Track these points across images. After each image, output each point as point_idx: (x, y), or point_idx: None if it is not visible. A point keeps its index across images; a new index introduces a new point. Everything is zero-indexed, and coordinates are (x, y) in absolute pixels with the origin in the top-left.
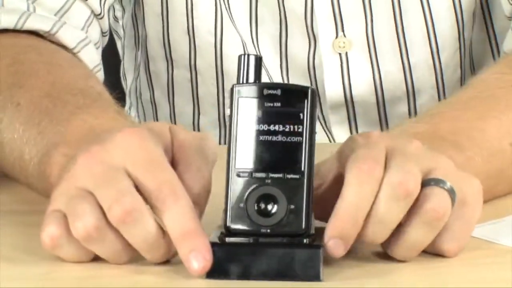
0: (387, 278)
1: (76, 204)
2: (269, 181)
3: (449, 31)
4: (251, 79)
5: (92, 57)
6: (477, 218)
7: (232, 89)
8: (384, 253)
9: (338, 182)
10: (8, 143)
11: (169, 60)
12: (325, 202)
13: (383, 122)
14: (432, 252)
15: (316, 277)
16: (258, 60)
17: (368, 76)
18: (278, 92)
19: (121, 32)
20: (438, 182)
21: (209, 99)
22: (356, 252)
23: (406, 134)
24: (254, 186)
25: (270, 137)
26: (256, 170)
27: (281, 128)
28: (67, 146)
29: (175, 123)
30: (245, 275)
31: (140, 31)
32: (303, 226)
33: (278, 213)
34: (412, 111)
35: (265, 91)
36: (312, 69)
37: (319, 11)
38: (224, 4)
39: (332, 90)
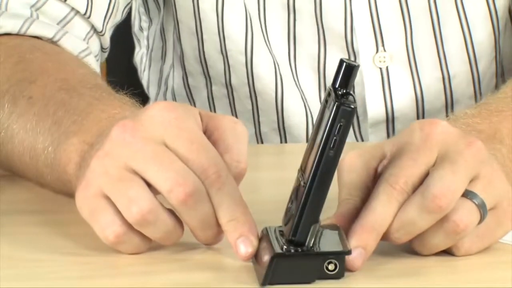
0: (413, 278)
1: (126, 188)
2: (302, 183)
3: (486, 40)
4: (338, 83)
5: (93, 68)
6: (503, 233)
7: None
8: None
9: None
10: (18, 134)
11: (207, 76)
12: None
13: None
14: None
15: (261, 284)
16: (351, 68)
17: (409, 90)
18: (330, 97)
19: (144, 42)
20: (472, 195)
21: (246, 114)
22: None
23: (473, 131)
24: (294, 186)
25: (311, 144)
26: (300, 171)
27: (316, 137)
28: (87, 133)
29: None
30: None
31: (170, 45)
32: (291, 233)
33: (287, 215)
34: None
35: (325, 98)
36: (351, 87)
37: (359, 27)
38: (260, 24)
39: (373, 107)
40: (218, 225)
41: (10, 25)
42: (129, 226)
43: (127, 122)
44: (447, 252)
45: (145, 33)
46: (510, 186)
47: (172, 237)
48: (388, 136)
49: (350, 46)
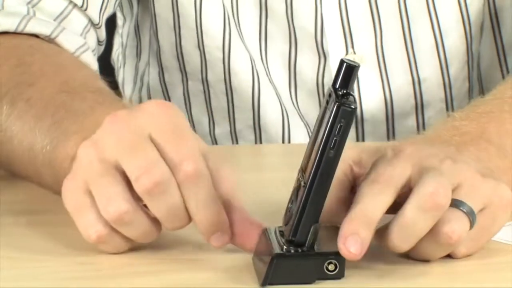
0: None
1: (106, 185)
2: (302, 183)
3: (458, 44)
4: (338, 83)
5: (91, 63)
6: (497, 229)
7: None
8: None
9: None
10: (17, 135)
11: (183, 72)
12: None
13: (391, 137)
14: None
15: (261, 284)
16: (352, 69)
17: (378, 92)
18: (330, 98)
19: (118, 40)
20: (459, 204)
21: (221, 112)
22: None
23: (457, 135)
24: (295, 186)
25: (312, 144)
26: (300, 172)
27: (314, 136)
28: (88, 131)
29: (194, 131)
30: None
31: (146, 41)
32: (290, 233)
33: (287, 215)
34: (421, 125)
35: (326, 98)
36: (321, 87)
37: (329, 28)
38: (234, 20)
39: None
40: (189, 218)
41: (8, 24)
42: (112, 226)
43: (119, 112)
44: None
45: (120, 30)
46: (495, 181)
47: (149, 236)
48: (357, 137)
49: (320, 46)
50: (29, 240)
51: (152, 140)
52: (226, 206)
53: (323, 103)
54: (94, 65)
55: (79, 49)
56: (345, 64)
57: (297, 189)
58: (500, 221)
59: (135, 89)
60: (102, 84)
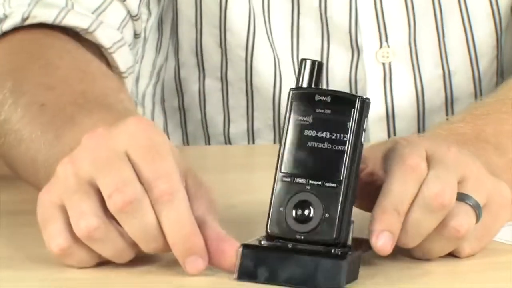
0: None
1: (79, 201)
2: (308, 187)
3: (488, 38)
4: (306, 83)
5: (126, 59)
6: (499, 227)
7: (288, 93)
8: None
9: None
10: (24, 141)
11: (201, 68)
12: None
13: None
14: None
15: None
16: (316, 66)
17: (410, 86)
18: (328, 99)
19: (141, 35)
20: (465, 197)
21: (239, 110)
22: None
23: (454, 135)
24: (294, 191)
25: (316, 144)
26: (298, 175)
27: (328, 136)
28: None
29: (206, 130)
30: (271, 279)
31: (166, 36)
32: (334, 235)
33: (313, 220)
34: None
35: (317, 97)
36: (353, 82)
37: (363, 22)
38: (264, 18)
39: (374, 103)
40: (165, 239)
41: (45, 15)
42: (76, 240)
43: (99, 130)
44: (450, 254)
45: (143, 25)
46: (496, 179)
47: (123, 256)
48: (388, 133)
49: (354, 41)
50: (29, 241)
51: (128, 158)
52: (202, 226)
53: (289, 104)
54: (130, 61)
55: (116, 44)
56: (309, 61)
57: (294, 192)
58: (502, 220)
59: (150, 84)
60: (122, 96)
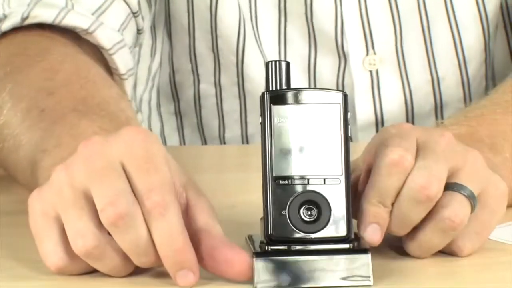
0: (408, 278)
1: (75, 218)
2: (309, 187)
3: (476, 43)
4: (281, 85)
5: (126, 61)
6: (496, 221)
7: (262, 96)
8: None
9: (367, 172)
10: (23, 146)
11: (196, 73)
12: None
13: None
14: (444, 250)
15: (367, 281)
16: (287, 66)
17: (398, 93)
18: (311, 97)
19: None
20: (459, 187)
21: (233, 115)
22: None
23: None
24: (295, 193)
25: (306, 142)
26: (296, 177)
27: (316, 133)
28: None
29: (203, 134)
30: (295, 284)
31: (160, 41)
32: (346, 231)
33: (321, 219)
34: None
35: (298, 96)
36: (341, 88)
37: (349, 30)
38: (252, 24)
39: (362, 109)
40: (157, 254)
41: (45, 15)
42: (73, 255)
43: (94, 138)
44: (450, 254)
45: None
46: (491, 172)
47: (121, 271)
48: None
49: (340, 48)
50: (29, 241)
51: (123, 168)
52: (206, 235)
53: (261, 111)
54: (130, 63)
55: (116, 45)
56: (284, 63)
57: (295, 194)
58: (498, 213)
59: (146, 89)
60: (123, 105)
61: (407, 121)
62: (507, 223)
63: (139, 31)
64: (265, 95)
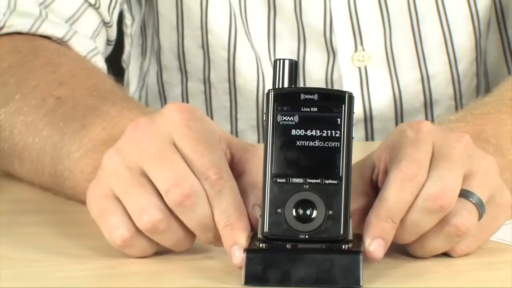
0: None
1: (137, 195)
2: (307, 186)
3: (467, 41)
4: (286, 84)
5: (101, 67)
6: (495, 229)
7: (268, 94)
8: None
9: (384, 173)
10: (42, 131)
11: (183, 71)
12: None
13: None
14: None
15: (356, 283)
16: (294, 65)
17: (387, 89)
18: (315, 97)
19: (128, 40)
20: (470, 195)
21: (222, 111)
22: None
23: None
24: (292, 192)
25: (307, 142)
26: (294, 175)
27: (318, 133)
28: (115, 141)
29: None
30: (284, 282)
31: (149, 41)
32: (341, 232)
33: (316, 219)
34: None
35: (302, 96)
36: (330, 84)
37: (338, 26)
38: (242, 19)
39: None
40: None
41: (21, 24)
42: (137, 230)
43: (141, 120)
44: (444, 253)
45: (128, 30)
46: (501, 180)
47: (183, 244)
48: (366, 134)
49: (329, 44)
50: (29, 240)
51: (176, 146)
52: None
53: (265, 109)
54: (104, 69)
55: (90, 53)
56: (287, 61)
57: (292, 192)
58: (500, 220)
59: (137, 89)
60: (127, 94)
61: (396, 117)
62: (506, 221)
63: (109, 42)
64: (270, 93)
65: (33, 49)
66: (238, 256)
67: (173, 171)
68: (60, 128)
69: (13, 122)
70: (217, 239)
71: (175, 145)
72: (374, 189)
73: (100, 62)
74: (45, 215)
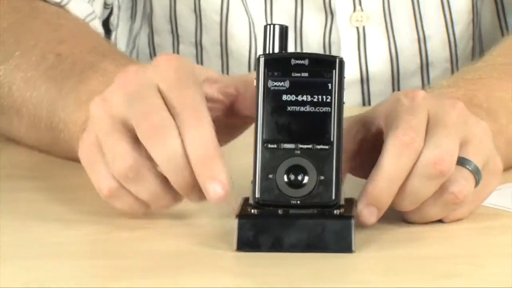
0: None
1: (113, 142)
2: (298, 152)
3: (463, 2)
4: (277, 49)
5: (99, 31)
6: (487, 195)
7: (258, 60)
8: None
9: (377, 138)
10: (40, 87)
11: (175, 35)
12: (364, 156)
13: None
14: None
15: (347, 248)
16: (284, 30)
17: (384, 50)
18: (306, 62)
19: (115, 3)
20: (466, 162)
21: None
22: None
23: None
24: (283, 157)
25: (298, 107)
26: (285, 141)
27: (309, 99)
28: None
29: None
30: (275, 247)
31: (141, 4)
32: (333, 197)
33: (308, 184)
34: (426, 85)
35: (293, 61)
36: (328, 46)
37: None
38: None
39: (348, 67)
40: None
41: None
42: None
43: (131, 68)
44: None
45: None
46: (494, 146)
47: (160, 201)
48: (363, 96)
49: (327, 5)
50: (28, 206)
51: (159, 90)
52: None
53: (256, 74)
54: (102, 34)
55: (88, 17)
56: (277, 26)
57: (283, 158)
58: (491, 187)
59: (127, 51)
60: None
61: (393, 79)
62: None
63: (106, 6)
64: (260, 59)
65: (33, 10)
66: (214, 191)
67: (145, 105)
68: (58, 83)
69: (12, 78)
70: (190, 186)
71: (158, 88)
72: (365, 151)
73: (97, 26)
74: (40, 181)
